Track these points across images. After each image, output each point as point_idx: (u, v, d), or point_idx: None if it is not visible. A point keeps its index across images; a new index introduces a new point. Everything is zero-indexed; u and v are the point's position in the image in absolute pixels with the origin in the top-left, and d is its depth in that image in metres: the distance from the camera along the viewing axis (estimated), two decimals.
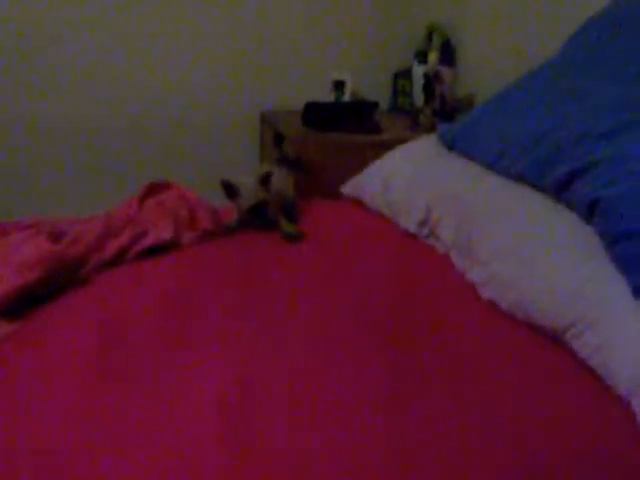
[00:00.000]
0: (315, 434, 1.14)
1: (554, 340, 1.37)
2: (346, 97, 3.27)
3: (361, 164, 2.33)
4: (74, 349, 1.37)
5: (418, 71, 3.16)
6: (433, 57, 3.10)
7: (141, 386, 1.25)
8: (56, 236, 1.77)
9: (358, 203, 2.20)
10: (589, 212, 1.42)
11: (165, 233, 1.86)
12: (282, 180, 2.19)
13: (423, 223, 1.89)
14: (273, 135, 3.09)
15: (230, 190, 2.01)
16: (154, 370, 1.29)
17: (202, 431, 1.13)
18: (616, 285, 1.29)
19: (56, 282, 1.59)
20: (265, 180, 2.02)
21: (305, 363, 1.34)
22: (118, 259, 1.77)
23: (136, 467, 1.06)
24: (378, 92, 3.40)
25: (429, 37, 3.24)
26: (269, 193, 2.02)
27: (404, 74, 3.35)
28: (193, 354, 1.35)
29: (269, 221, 2.01)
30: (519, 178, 1.70)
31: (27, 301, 1.53)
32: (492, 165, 1.81)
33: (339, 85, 3.27)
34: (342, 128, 2.91)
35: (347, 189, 2.29)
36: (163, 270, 1.74)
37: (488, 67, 2.93)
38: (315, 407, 1.20)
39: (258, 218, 2.02)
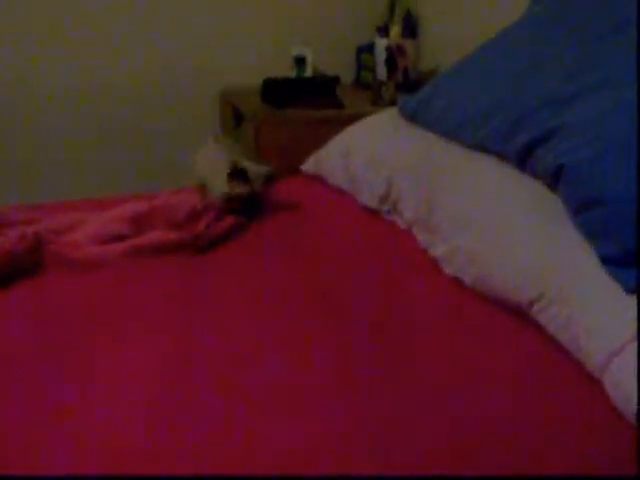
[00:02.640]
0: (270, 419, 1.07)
1: (520, 316, 1.31)
2: (307, 73, 3.19)
3: (323, 140, 2.25)
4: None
5: (380, 45, 3.09)
6: (395, 30, 3.04)
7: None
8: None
9: (319, 180, 2.13)
10: (554, 179, 1.35)
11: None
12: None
13: (384, 198, 1.82)
14: (233, 114, 3.01)
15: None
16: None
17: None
18: (583, 254, 1.23)
19: None
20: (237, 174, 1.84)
21: (250, 345, 1.28)
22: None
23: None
24: (341, 67, 3.32)
25: (391, 10, 3.16)
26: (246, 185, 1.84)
27: (367, 48, 3.28)
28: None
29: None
30: (481, 148, 1.63)
31: None
32: (453, 135, 1.74)
33: (300, 61, 3.19)
34: (303, 104, 2.83)
35: (307, 166, 2.22)
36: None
37: (451, 39, 2.87)
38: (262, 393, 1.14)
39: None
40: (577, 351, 1.17)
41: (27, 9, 3.01)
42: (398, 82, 2.90)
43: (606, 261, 1.19)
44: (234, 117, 3.01)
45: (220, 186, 1.84)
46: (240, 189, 1.84)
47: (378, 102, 2.86)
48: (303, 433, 1.05)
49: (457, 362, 1.22)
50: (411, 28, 3.06)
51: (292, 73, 3.21)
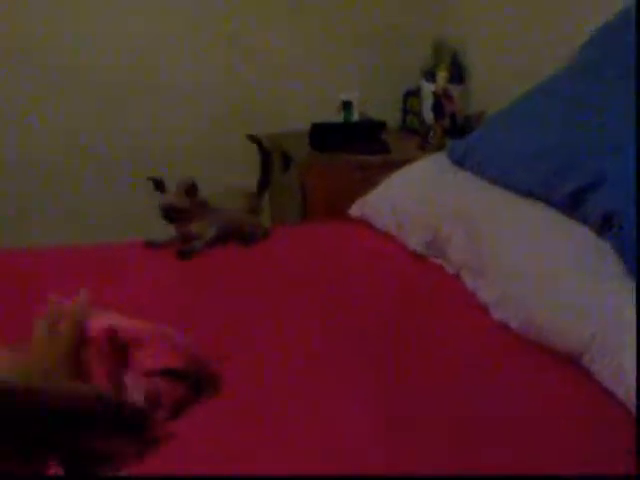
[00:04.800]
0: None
1: (568, 362, 1.30)
2: (354, 117, 3.22)
3: (370, 185, 2.27)
4: None
5: (427, 89, 3.11)
6: (442, 75, 3.06)
7: None
8: None
9: (366, 224, 2.14)
10: (603, 226, 1.35)
11: None
12: (236, 205, 2.10)
13: (431, 243, 1.83)
14: (280, 157, 3.05)
15: (158, 185, 1.99)
16: None
17: None
18: (633, 303, 1.22)
19: None
20: (189, 190, 1.95)
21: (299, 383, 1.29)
22: None
23: None
24: (387, 111, 3.34)
25: (437, 55, 3.19)
26: (188, 201, 1.95)
27: (413, 93, 3.30)
28: None
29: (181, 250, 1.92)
30: (529, 193, 1.64)
31: None
32: (502, 181, 1.75)
33: (347, 105, 3.22)
34: (350, 149, 2.85)
35: (355, 210, 2.23)
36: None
37: (498, 84, 2.88)
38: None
39: (167, 220, 1.96)
40: (628, 400, 1.16)
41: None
42: (445, 127, 2.91)
43: None
44: (282, 161, 3.04)
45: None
46: (178, 202, 1.94)
47: (425, 147, 2.87)
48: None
49: (507, 406, 1.22)
50: (458, 73, 3.07)
51: (339, 117, 3.24)
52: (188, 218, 1.96)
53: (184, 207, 1.95)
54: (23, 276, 1.79)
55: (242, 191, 2.19)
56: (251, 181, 2.24)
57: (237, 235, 2.01)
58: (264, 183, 2.25)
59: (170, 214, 1.96)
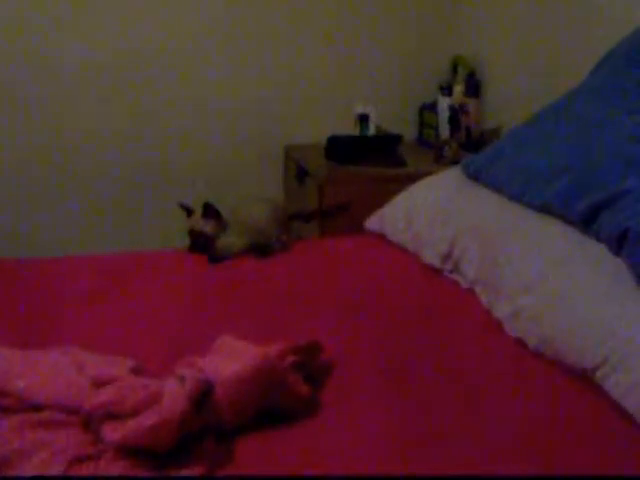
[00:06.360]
0: None
1: (583, 379, 1.30)
2: (370, 130, 3.23)
3: (385, 198, 2.28)
4: None
5: (443, 103, 3.12)
6: (458, 89, 3.07)
7: None
8: None
9: (382, 237, 2.15)
10: (618, 243, 1.35)
11: None
12: (260, 217, 2.13)
13: (446, 257, 1.83)
14: (296, 169, 3.06)
15: (188, 211, 2.13)
16: None
17: None
18: None
19: None
20: (206, 211, 2.07)
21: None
22: None
23: None
24: (403, 125, 3.35)
25: (454, 69, 3.20)
26: (212, 225, 2.06)
27: (429, 107, 3.32)
28: None
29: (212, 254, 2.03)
30: (544, 209, 1.64)
31: None
32: (517, 196, 1.76)
33: (363, 118, 3.23)
34: (365, 162, 2.87)
35: (370, 223, 2.24)
36: None
37: (514, 99, 2.88)
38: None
39: (195, 246, 2.08)
40: None
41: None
42: (461, 141, 2.91)
43: None
44: (298, 173, 3.05)
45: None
46: (200, 226, 2.06)
47: (440, 161, 2.87)
48: None
49: (521, 427, 1.22)
50: (474, 87, 3.08)
51: (355, 130, 3.25)
52: (212, 240, 2.06)
53: (208, 231, 2.06)
54: (62, 283, 1.86)
55: (269, 201, 2.23)
56: (265, 192, 2.27)
57: (255, 246, 2.04)
58: (311, 216, 2.30)
59: (197, 239, 2.07)
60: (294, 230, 2.23)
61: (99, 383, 1.20)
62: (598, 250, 1.43)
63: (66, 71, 3.06)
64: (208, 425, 1.16)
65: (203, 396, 1.15)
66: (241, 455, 1.14)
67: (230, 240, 2.06)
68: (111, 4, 3.06)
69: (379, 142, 3.03)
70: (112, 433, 1.10)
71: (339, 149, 2.93)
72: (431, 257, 1.88)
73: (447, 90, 3.14)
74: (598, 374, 1.26)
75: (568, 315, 1.37)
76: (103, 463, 1.08)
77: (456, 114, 2.98)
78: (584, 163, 1.57)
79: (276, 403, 1.23)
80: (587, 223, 1.48)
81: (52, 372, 1.25)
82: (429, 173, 2.32)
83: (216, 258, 2.02)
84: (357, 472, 1.10)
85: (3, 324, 1.59)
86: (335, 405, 1.28)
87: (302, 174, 2.99)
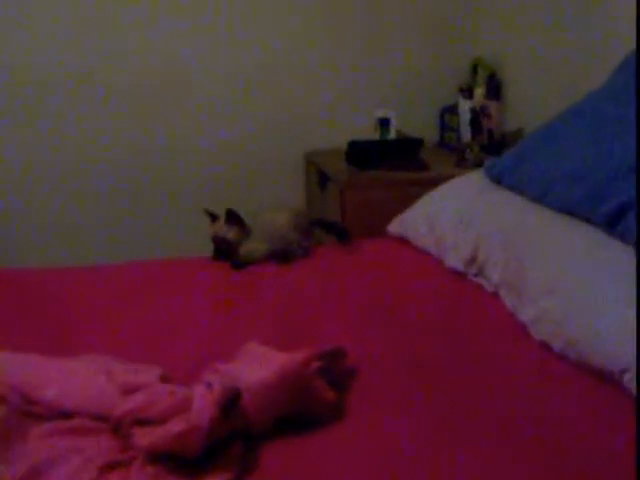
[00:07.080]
0: None
1: (610, 382, 1.30)
2: (391, 135, 3.23)
3: (407, 202, 2.28)
4: None
5: (464, 106, 3.11)
6: (479, 92, 3.06)
7: None
8: None
9: (404, 241, 2.15)
10: None
11: None
12: (282, 223, 2.14)
13: (470, 261, 1.83)
14: (318, 175, 3.07)
15: (212, 217, 2.16)
16: None
17: None
18: None
19: None
20: (229, 218, 2.09)
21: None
22: None
23: None
24: (424, 128, 3.35)
25: (474, 72, 3.20)
26: (235, 232, 2.09)
27: (450, 110, 3.31)
28: None
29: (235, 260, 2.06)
30: (568, 211, 1.64)
31: None
32: (540, 199, 1.75)
33: (384, 123, 3.23)
34: (387, 166, 2.87)
35: (393, 227, 2.25)
36: None
37: (536, 100, 2.87)
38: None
39: (218, 252, 2.11)
40: None
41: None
42: (483, 143, 2.91)
43: None
44: (319, 179, 3.06)
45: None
46: (224, 232, 2.09)
47: (462, 164, 2.87)
48: None
49: (548, 431, 1.22)
50: (495, 90, 3.07)
51: (376, 135, 3.25)
52: (235, 247, 2.09)
53: (231, 237, 2.09)
54: (89, 292, 1.89)
55: (290, 208, 2.26)
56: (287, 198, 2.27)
57: (278, 252, 2.06)
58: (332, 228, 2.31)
59: (220, 245, 2.10)
60: (315, 236, 2.24)
61: (128, 390, 1.21)
62: (622, 252, 1.43)
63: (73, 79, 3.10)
64: (236, 431, 1.17)
65: (231, 403, 1.16)
66: (267, 461, 1.15)
67: (253, 246, 2.07)
68: (119, 13, 3.09)
69: (400, 146, 3.03)
70: (141, 439, 1.12)
71: (360, 154, 2.93)
72: (455, 261, 1.88)
73: (468, 92, 3.13)
74: (625, 377, 1.25)
75: (593, 318, 1.36)
76: (133, 470, 1.09)
77: (477, 116, 2.98)
78: (608, 164, 1.56)
79: (302, 409, 1.24)
80: (612, 225, 1.48)
81: (81, 380, 1.27)
82: (451, 176, 2.32)
83: (239, 264, 2.03)
84: (384, 478, 1.10)
85: (33, 333, 1.62)
86: (360, 410, 1.29)
87: (324, 180, 3.00)
